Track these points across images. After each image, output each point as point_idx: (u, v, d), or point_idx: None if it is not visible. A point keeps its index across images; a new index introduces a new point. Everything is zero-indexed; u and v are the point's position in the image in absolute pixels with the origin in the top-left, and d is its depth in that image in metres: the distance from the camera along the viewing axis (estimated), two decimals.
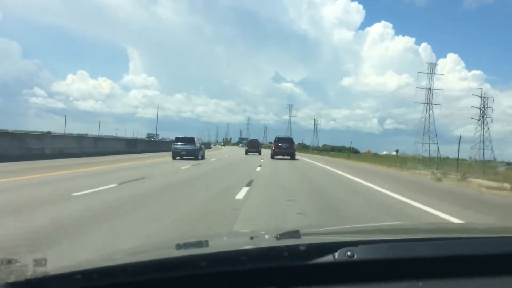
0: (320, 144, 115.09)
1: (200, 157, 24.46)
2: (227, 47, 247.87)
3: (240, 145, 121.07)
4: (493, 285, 1.10)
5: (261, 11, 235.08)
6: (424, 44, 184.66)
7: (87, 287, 1.01)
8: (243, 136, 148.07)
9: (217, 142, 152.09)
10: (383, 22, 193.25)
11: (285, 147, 29.32)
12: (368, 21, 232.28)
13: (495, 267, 1.12)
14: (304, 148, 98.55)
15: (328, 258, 1.06)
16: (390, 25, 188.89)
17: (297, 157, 30.44)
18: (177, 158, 23.10)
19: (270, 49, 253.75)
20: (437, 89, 63.03)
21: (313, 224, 5.08)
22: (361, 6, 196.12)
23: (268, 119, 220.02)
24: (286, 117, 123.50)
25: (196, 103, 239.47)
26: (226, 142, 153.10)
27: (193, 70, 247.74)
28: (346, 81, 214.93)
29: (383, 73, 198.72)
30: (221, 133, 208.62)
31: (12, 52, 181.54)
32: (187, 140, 24.45)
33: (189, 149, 23.75)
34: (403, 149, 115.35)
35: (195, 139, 25.28)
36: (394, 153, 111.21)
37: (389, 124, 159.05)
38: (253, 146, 39.75)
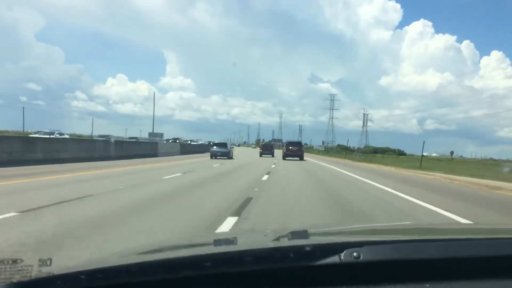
0: (361, 146, 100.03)
1: (231, 157, 33.04)
2: (263, 49, 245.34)
3: (253, 145, 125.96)
4: (502, 287, 1.09)
5: (297, 12, 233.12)
6: (466, 42, 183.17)
7: (92, 287, 1.01)
8: (276, 137, 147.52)
9: (244, 144, 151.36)
10: (422, 20, 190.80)
11: (295, 150, 33.57)
12: (406, 20, 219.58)
13: (504, 269, 1.11)
14: (345, 150, 76.96)
15: (333, 259, 1.05)
16: (430, 23, 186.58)
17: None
18: (213, 158, 31.36)
19: (306, 50, 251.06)
20: None
21: (319, 224, 5.33)
22: (398, 5, 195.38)
23: (304, 120, 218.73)
24: (322, 118, 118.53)
25: (232, 105, 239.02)
26: (258, 143, 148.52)
27: (229, 72, 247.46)
28: (384, 81, 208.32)
29: (423, 72, 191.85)
30: (253, 133, 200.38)
31: (56, 57, 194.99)
32: (221, 145, 34.49)
33: (223, 151, 32.88)
34: (443, 151, 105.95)
35: (227, 143, 35.93)
36: (435, 154, 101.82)
37: (429, 124, 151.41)
38: (267, 149, 41.84)
